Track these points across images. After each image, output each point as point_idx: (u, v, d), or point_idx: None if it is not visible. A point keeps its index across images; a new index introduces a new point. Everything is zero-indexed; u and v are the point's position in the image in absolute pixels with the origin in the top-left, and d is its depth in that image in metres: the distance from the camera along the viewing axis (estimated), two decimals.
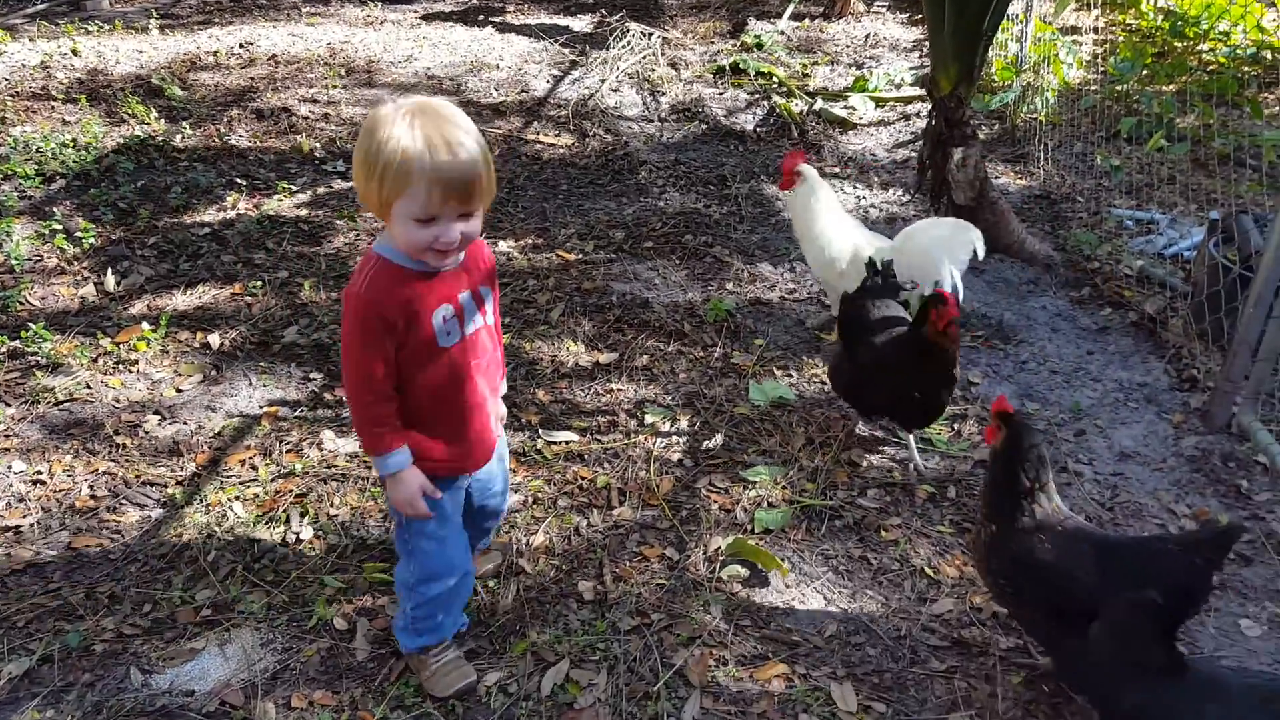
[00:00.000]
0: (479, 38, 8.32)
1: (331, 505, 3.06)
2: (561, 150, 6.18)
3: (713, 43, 8.38)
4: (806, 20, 8.95)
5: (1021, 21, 6.83)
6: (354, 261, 4.58)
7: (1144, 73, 6.79)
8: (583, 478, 3.24)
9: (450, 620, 2.44)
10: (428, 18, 8.96)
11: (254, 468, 3.23)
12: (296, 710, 2.38)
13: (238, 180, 5.34)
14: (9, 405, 3.47)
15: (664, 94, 7.14)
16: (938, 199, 4.89)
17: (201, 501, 3.06)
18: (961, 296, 3.64)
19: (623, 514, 3.08)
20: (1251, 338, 3.34)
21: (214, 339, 3.93)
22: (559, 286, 4.46)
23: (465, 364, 2.17)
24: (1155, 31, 7.75)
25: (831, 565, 2.91)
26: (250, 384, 3.70)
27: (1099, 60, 7.26)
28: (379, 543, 2.91)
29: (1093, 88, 6.73)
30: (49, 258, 4.42)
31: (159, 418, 3.47)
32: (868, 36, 8.49)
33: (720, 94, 7.21)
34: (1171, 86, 6.72)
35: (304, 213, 5.09)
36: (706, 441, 3.43)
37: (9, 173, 5.02)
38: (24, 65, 6.70)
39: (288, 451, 3.32)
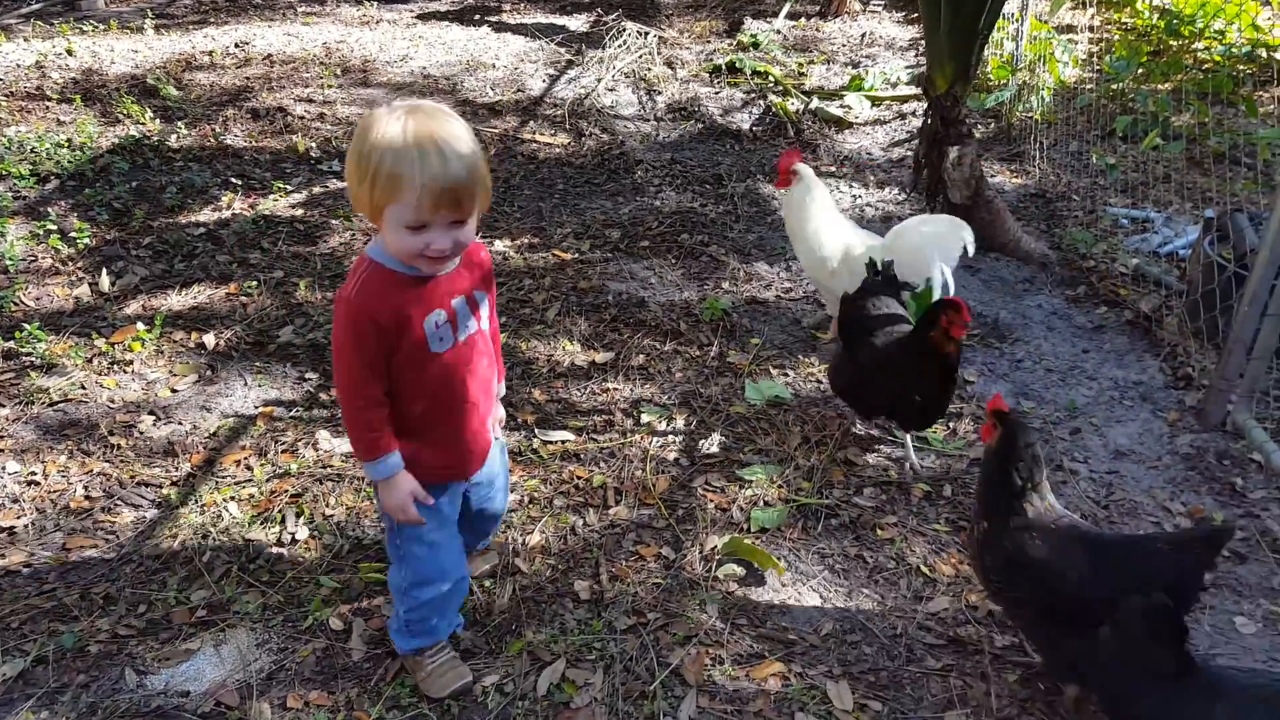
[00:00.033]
0: (475, 37, 8.32)
1: (327, 505, 3.06)
2: (558, 149, 6.17)
3: (709, 42, 8.38)
4: (802, 19, 8.95)
5: (1017, 20, 6.84)
6: (349, 261, 4.58)
7: (1139, 71, 6.80)
8: (579, 477, 3.24)
9: (445, 623, 2.43)
10: (424, 17, 8.96)
11: (249, 468, 3.23)
12: (292, 710, 2.37)
13: (233, 180, 5.34)
14: (3, 406, 3.46)
15: (660, 93, 7.14)
16: (933, 197, 4.90)
17: (196, 502, 3.06)
18: (953, 292, 3.64)
19: (619, 513, 3.08)
20: (1246, 336, 3.35)
21: (209, 339, 3.92)
22: (555, 286, 4.46)
23: (458, 370, 2.16)
24: (1151, 30, 7.76)
25: (828, 564, 2.91)
26: (245, 384, 3.69)
27: (1094, 59, 7.27)
28: (374, 543, 2.91)
29: (1088, 86, 6.73)
30: (43, 258, 4.42)
31: (154, 418, 3.46)
32: (864, 35, 8.49)
33: (716, 93, 7.21)
34: (1167, 85, 6.72)
35: (299, 212, 5.08)
36: (703, 442, 3.43)
37: (3, 173, 5.02)
38: (18, 65, 6.69)
39: (283, 452, 3.31)
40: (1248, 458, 3.37)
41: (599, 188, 5.69)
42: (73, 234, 4.55)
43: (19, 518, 2.98)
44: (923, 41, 6.55)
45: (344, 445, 3.33)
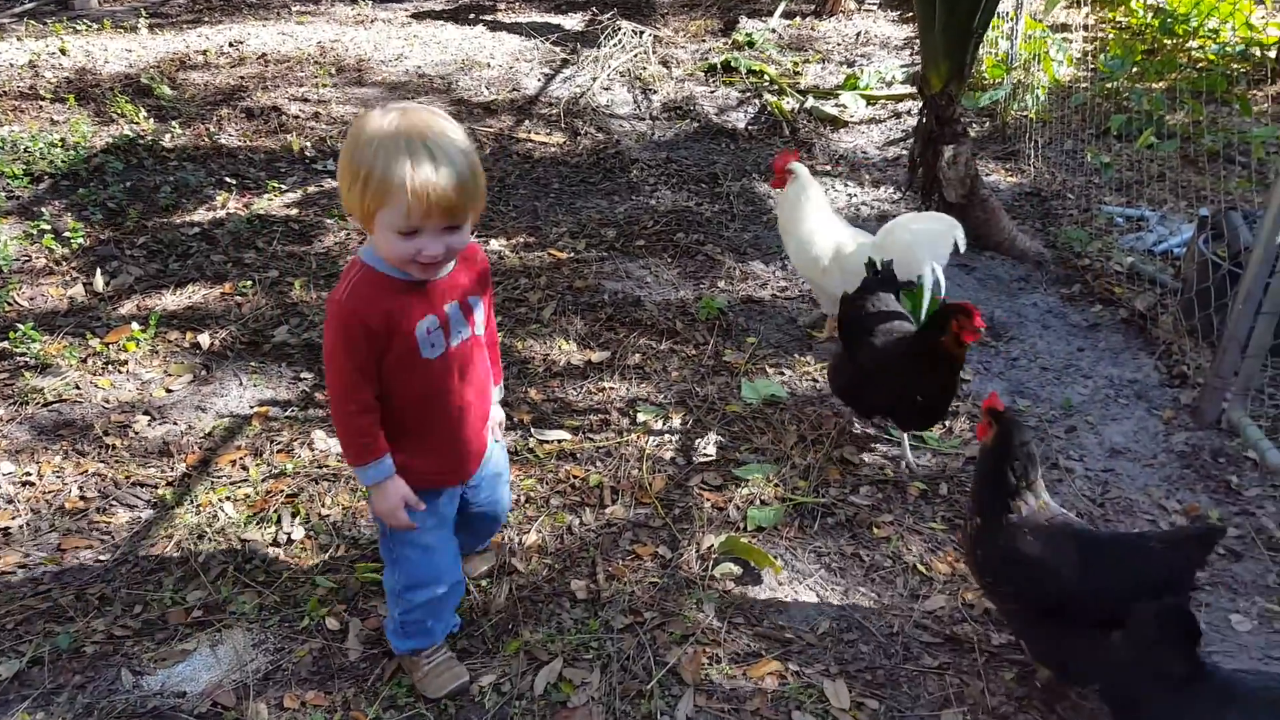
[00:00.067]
0: (470, 36, 8.31)
1: (323, 505, 3.05)
2: (553, 149, 6.17)
3: (704, 41, 8.38)
4: (798, 18, 8.96)
5: (1012, 19, 6.85)
6: (344, 260, 4.57)
7: (1134, 70, 6.81)
8: (575, 476, 3.24)
9: (441, 625, 2.42)
10: (418, 16, 8.95)
11: (245, 468, 3.22)
12: (289, 711, 2.37)
13: (227, 179, 5.33)
14: None
15: (655, 92, 7.14)
16: (929, 196, 4.90)
17: (192, 502, 3.05)
18: (944, 290, 3.65)
19: (615, 512, 3.08)
20: (1241, 334, 3.35)
21: (204, 339, 3.91)
22: (551, 285, 4.46)
23: (450, 376, 2.14)
24: (1145, 29, 7.77)
25: (824, 562, 2.91)
26: (241, 384, 3.69)
27: (1089, 57, 7.28)
28: (371, 543, 2.90)
29: (1083, 85, 6.75)
30: (37, 258, 4.40)
31: (149, 418, 3.46)
32: (859, 34, 8.50)
33: (712, 92, 7.21)
34: (1161, 84, 6.74)
35: (294, 212, 5.07)
36: (700, 441, 3.43)
37: None
38: (12, 64, 6.68)
39: (279, 451, 3.30)
40: (1243, 455, 3.37)
41: (594, 187, 5.68)
42: (67, 234, 4.53)
43: (14, 518, 2.97)
44: (917, 40, 6.57)
45: (339, 445, 3.33)
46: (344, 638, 2.58)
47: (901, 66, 7.46)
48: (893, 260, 3.49)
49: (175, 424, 3.44)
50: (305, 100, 6.58)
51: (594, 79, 7.19)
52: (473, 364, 2.20)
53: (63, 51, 7.00)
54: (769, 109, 6.72)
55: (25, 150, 5.22)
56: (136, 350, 3.80)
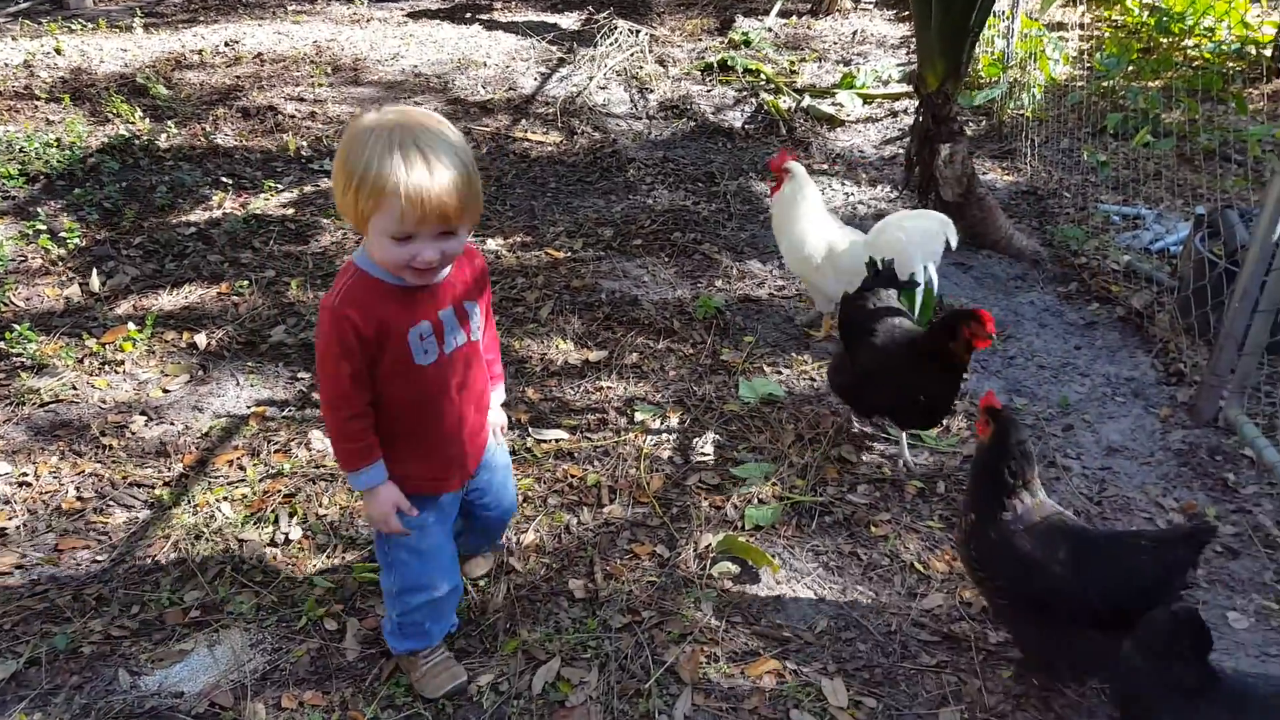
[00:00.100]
0: (466, 35, 8.30)
1: (320, 505, 3.05)
2: (550, 148, 6.17)
3: (700, 40, 8.38)
4: (794, 17, 8.96)
5: (1008, 18, 6.85)
6: (341, 260, 4.57)
7: (1130, 68, 6.82)
8: (573, 476, 3.24)
9: (439, 627, 2.42)
10: (414, 15, 8.94)
11: (242, 468, 3.22)
12: (286, 711, 2.37)
13: (224, 179, 5.32)
14: None
15: (652, 91, 7.14)
16: (925, 195, 4.91)
17: (189, 502, 3.05)
18: (936, 288, 3.65)
19: (613, 512, 3.08)
20: (1237, 332, 3.36)
21: (201, 339, 3.91)
22: (548, 284, 4.46)
23: (443, 383, 2.12)
24: (1141, 27, 7.78)
25: (822, 561, 2.91)
26: (238, 384, 3.68)
27: (1085, 56, 7.29)
28: (368, 542, 2.90)
29: (1079, 84, 6.76)
30: (33, 258, 4.39)
31: (145, 418, 3.45)
32: (855, 33, 8.50)
33: (708, 91, 7.21)
34: (1157, 82, 6.75)
35: (290, 211, 5.06)
36: (697, 440, 3.43)
37: None
38: (6, 64, 6.66)
39: (276, 451, 3.30)
40: (1239, 453, 3.38)
41: (591, 186, 5.68)
42: (63, 234, 4.53)
43: (10, 519, 2.96)
44: (914, 39, 6.56)
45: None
46: (342, 638, 2.58)
47: (898, 65, 7.47)
48: (893, 259, 3.48)
49: (172, 424, 3.44)
50: (301, 100, 6.58)
51: (590, 78, 7.19)
52: (468, 370, 2.18)
53: (58, 51, 6.98)
54: (766, 108, 6.72)
55: (21, 150, 5.20)
56: (133, 350, 3.80)
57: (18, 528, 2.93)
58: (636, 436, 3.44)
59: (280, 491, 3.10)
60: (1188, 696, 1.94)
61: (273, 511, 3.01)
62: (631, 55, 7.65)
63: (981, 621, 2.68)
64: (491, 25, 8.64)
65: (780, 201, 3.98)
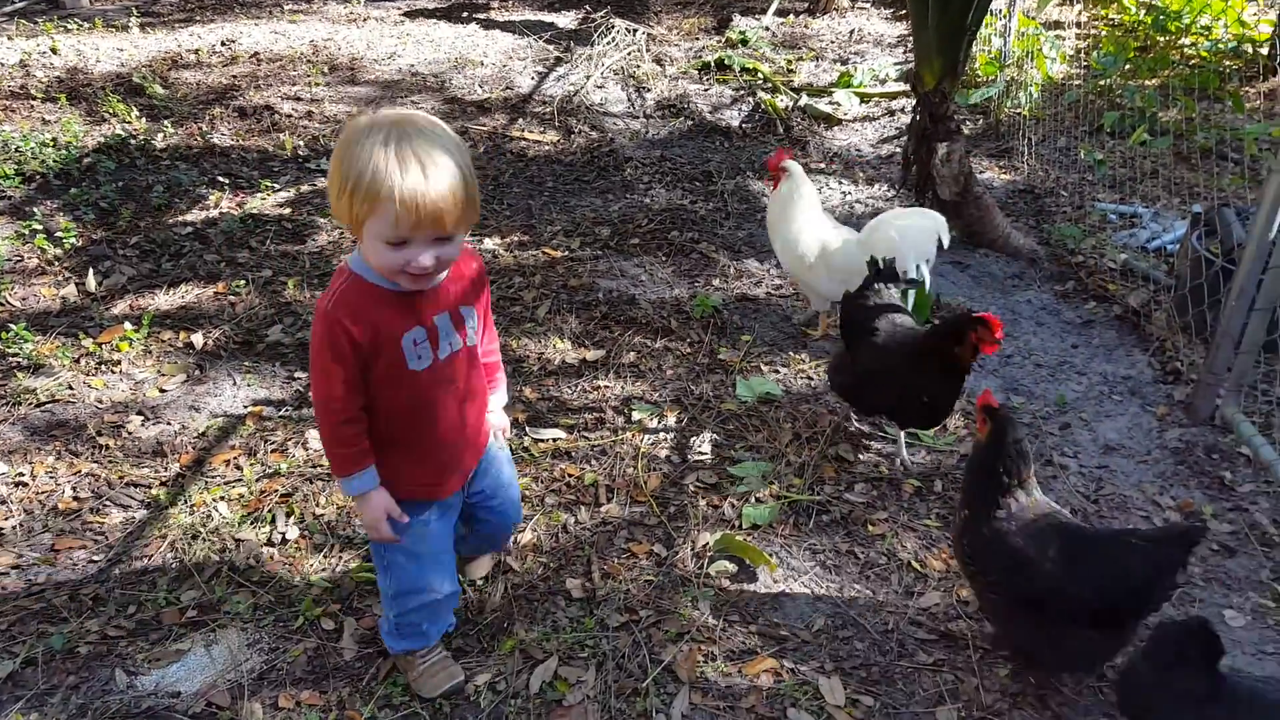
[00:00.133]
0: (463, 34, 8.30)
1: (317, 505, 3.05)
2: (547, 147, 6.16)
3: (697, 39, 8.38)
4: (791, 16, 8.96)
5: (1005, 16, 6.86)
6: (338, 260, 4.56)
7: (1126, 67, 6.82)
8: (570, 475, 3.23)
9: (436, 628, 2.41)
10: (411, 14, 8.93)
11: (239, 468, 3.21)
12: (284, 710, 2.37)
13: (220, 179, 5.31)
14: None
15: (649, 90, 7.14)
16: (923, 194, 4.91)
17: (186, 502, 3.04)
18: (929, 285, 3.65)
19: (610, 511, 3.08)
20: (1234, 330, 3.36)
21: (197, 339, 3.90)
22: (545, 284, 4.45)
23: (438, 388, 2.10)
24: (1138, 26, 7.79)
25: (819, 560, 2.91)
26: (234, 384, 3.68)
27: (1082, 55, 7.29)
28: (365, 542, 2.90)
29: (1076, 82, 6.76)
30: (29, 258, 4.39)
31: (142, 418, 3.45)
32: (852, 32, 8.50)
33: (705, 90, 7.21)
34: (1154, 81, 6.75)
35: (287, 211, 5.06)
36: (695, 439, 3.43)
37: None
38: (2, 64, 6.65)
39: (273, 451, 3.30)
40: (1236, 452, 3.38)
41: (588, 185, 5.68)
42: (59, 234, 4.52)
43: (7, 519, 2.95)
44: (911, 38, 6.56)
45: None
46: (339, 637, 2.57)
47: (895, 64, 7.47)
48: (895, 258, 3.48)
49: (169, 424, 3.43)
50: (298, 99, 6.57)
51: (588, 77, 7.19)
52: (463, 374, 2.16)
53: (54, 51, 6.97)
54: (763, 107, 6.72)
55: (17, 150, 5.20)
56: (129, 350, 3.79)
57: (14, 528, 2.93)
58: (634, 436, 3.44)
59: (277, 491, 3.09)
60: (1198, 704, 1.93)
61: (270, 511, 3.01)
62: (629, 54, 7.64)
63: (979, 620, 2.68)
64: (488, 24, 8.64)
65: (776, 200, 3.99)
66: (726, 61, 7.46)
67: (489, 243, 4.87)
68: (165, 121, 5.90)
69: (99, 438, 3.32)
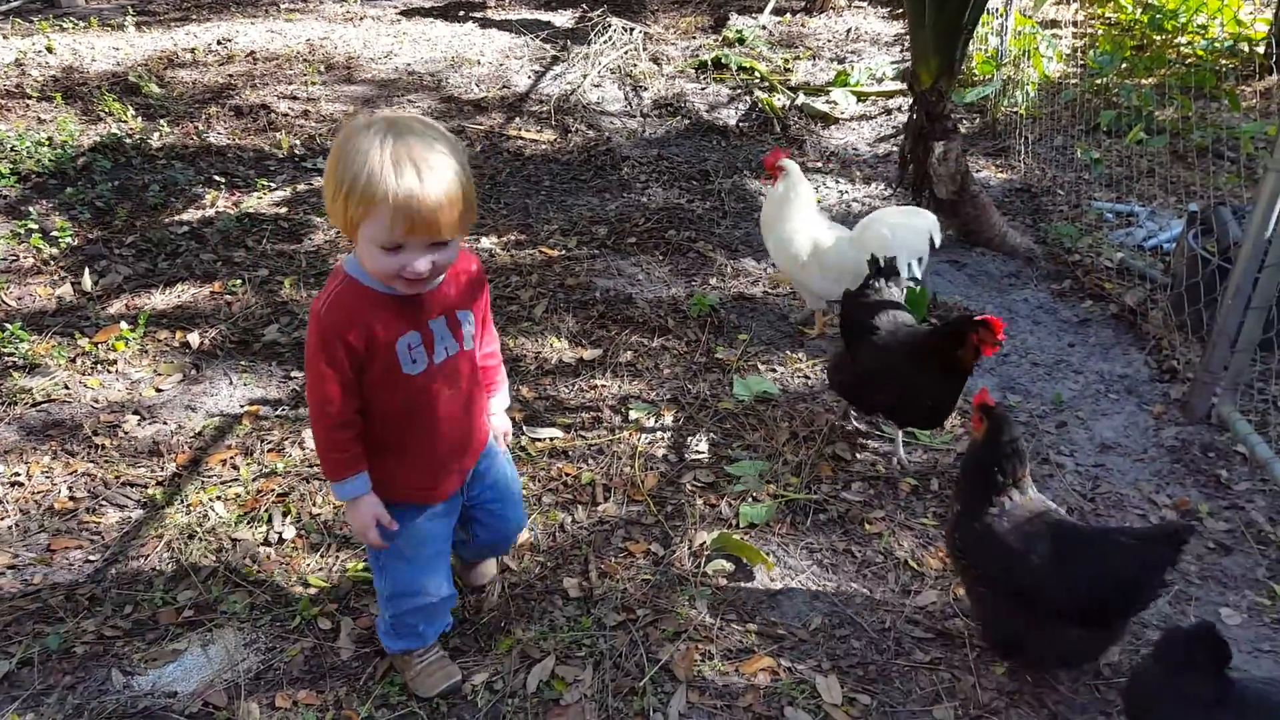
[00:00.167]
0: (459, 33, 8.29)
1: (314, 504, 3.04)
2: (544, 146, 6.16)
3: (694, 38, 8.37)
4: (788, 15, 8.96)
5: (1001, 15, 6.86)
6: (334, 259, 4.56)
7: (1123, 66, 6.83)
8: (567, 474, 3.23)
9: (432, 629, 2.40)
10: (407, 13, 8.93)
11: (235, 467, 3.21)
12: (281, 710, 2.36)
13: (216, 178, 5.31)
14: None
15: (646, 89, 7.13)
16: (920, 193, 4.91)
17: (182, 502, 3.04)
18: (919, 279, 3.64)
19: (608, 510, 3.08)
20: (1230, 328, 3.37)
21: (194, 338, 3.90)
22: (542, 283, 4.45)
23: (432, 393, 2.08)
24: (1134, 25, 7.79)
25: (816, 559, 2.91)
26: (231, 383, 3.67)
27: (1079, 54, 7.30)
28: (362, 542, 2.89)
29: (1072, 81, 6.77)
30: (25, 257, 4.38)
31: (138, 418, 3.44)
32: (849, 31, 8.50)
33: (702, 89, 7.21)
34: (1150, 79, 6.76)
35: (284, 210, 5.05)
36: (692, 438, 3.43)
37: None
38: None
39: (269, 451, 3.29)
40: (1232, 450, 3.39)
41: (585, 184, 5.68)
42: (54, 233, 4.51)
43: (3, 519, 2.95)
44: (907, 37, 6.56)
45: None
46: (336, 637, 2.57)
47: (892, 63, 7.47)
48: (895, 257, 3.47)
49: (165, 423, 3.43)
50: (294, 98, 6.56)
51: (584, 76, 7.18)
52: (459, 379, 2.14)
53: (49, 50, 6.95)
54: (760, 106, 6.72)
55: (12, 149, 5.18)
56: (125, 350, 3.79)
57: (10, 528, 2.92)
58: (631, 435, 3.44)
59: (274, 491, 3.09)
60: (1206, 709, 1.93)
61: (266, 511, 3.01)
62: (625, 53, 7.64)
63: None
64: (485, 23, 8.63)
65: (772, 199, 3.99)
66: (723, 60, 7.46)
67: (486, 241, 4.86)
68: (161, 121, 5.89)
69: (95, 437, 3.31)
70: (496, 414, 2.41)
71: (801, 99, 6.81)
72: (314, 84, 6.82)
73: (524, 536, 2.93)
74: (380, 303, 1.96)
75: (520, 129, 6.38)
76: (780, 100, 6.81)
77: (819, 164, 5.99)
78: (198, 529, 2.92)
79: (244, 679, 2.44)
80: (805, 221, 3.92)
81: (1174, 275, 4.19)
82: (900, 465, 3.32)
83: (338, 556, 2.85)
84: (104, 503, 3.04)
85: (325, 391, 1.97)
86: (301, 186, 5.33)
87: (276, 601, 2.68)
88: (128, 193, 5.03)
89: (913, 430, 3.47)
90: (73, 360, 3.71)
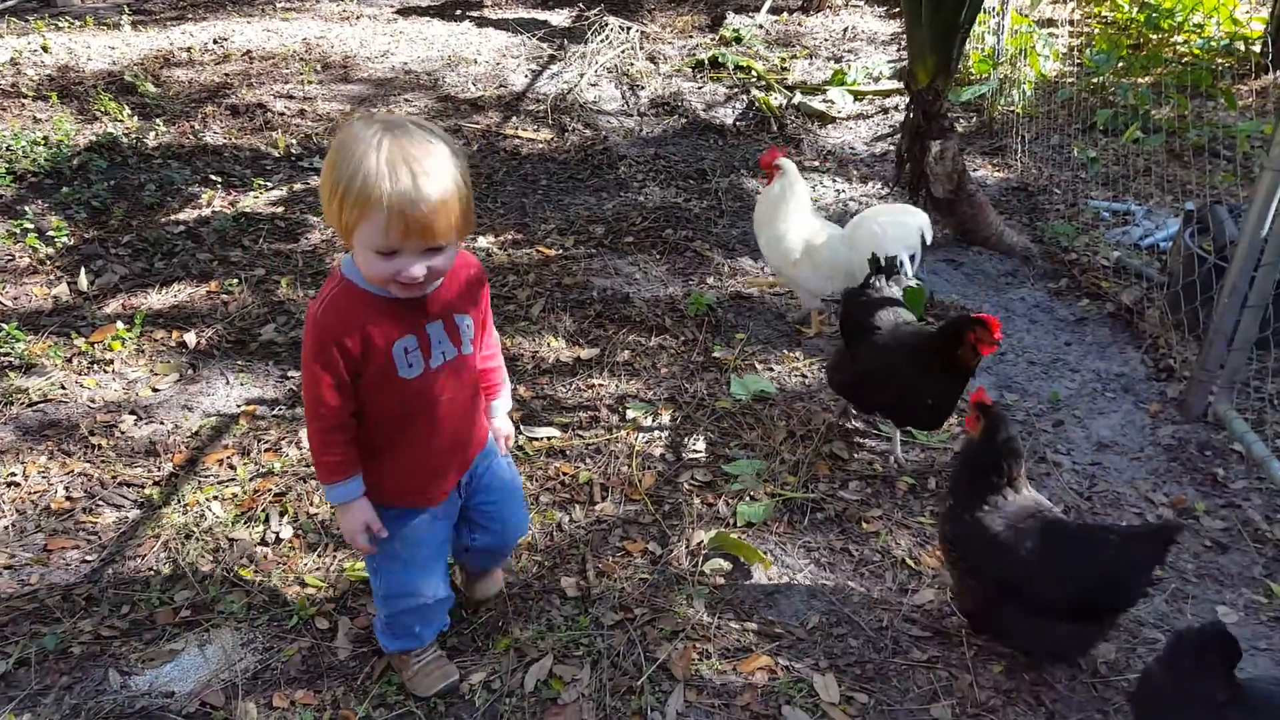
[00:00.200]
0: (456, 32, 8.28)
1: (311, 504, 3.04)
2: (540, 145, 6.16)
3: (691, 37, 8.37)
4: (785, 14, 8.96)
5: (998, 14, 6.86)
6: (331, 258, 4.55)
7: (1119, 65, 6.84)
8: (565, 474, 3.23)
9: (429, 630, 2.39)
10: (404, 12, 8.91)
11: (232, 467, 3.21)
12: (278, 710, 2.36)
13: (212, 177, 5.30)
14: None
15: (643, 88, 7.13)
16: (916, 192, 4.91)
17: (179, 502, 3.04)
18: (911, 277, 3.65)
19: (605, 509, 3.08)
20: (1227, 327, 3.37)
21: (190, 338, 3.89)
22: (539, 282, 4.45)
23: (428, 397, 2.07)
24: (1130, 24, 7.80)
25: (813, 557, 2.91)
26: (227, 383, 3.67)
27: (1075, 52, 7.30)
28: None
29: (1069, 80, 6.77)
30: (21, 257, 4.37)
31: (135, 418, 3.43)
32: (846, 30, 8.51)
33: (699, 88, 7.20)
34: (1147, 78, 6.76)
35: (280, 210, 5.05)
36: (689, 437, 3.43)
37: None
38: None
39: (266, 450, 3.29)
40: (1229, 448, 3.39)
41: (582, 183, 5.67)
42: (50, 233, 4.50)
43: None
44: (904, 36, 6.56)
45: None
46: (333, 636, 2.57)
47: (889, 62, 7.47)
48: (896, 256, 3.46)
49: (162, 423, 3.42)
50: (290, 97, 6.55)
51: (581, 75, 7.18)
52: (456, 383, 2.12)
53: (45, 49, 6.94)
54: (757, 105, 6.72)
55: (7, 149, 5.17)
56: (122, 349, 3.78)
57: (6, 528, 2.92)
58: (628, 434, 3.44)
59: (271, 490, 3.08)
60: (1219, 710, 1.92)
61: (263, 510, 3.00)
62: (622, 52, 7.64)
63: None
64: (482, 22, 8.62)
65: (767, 197, 3.99)
66: (720, 59, 7.46)
67: (483, 241, 4.86)
68: (157, 120, 5.88)
69: (91, 437, 3.31)
70: (498, 416, 2.40)
71: (798, 98, 6.81)
72: (310, 83, 6.81)
73: (521, 536, 2.93)
74: (376, 306, 1.95)
75: (517, 128, 6.37)
76: (777, 99, 6.81)
77: (816, 163, 5.99)
78: (195, 529, 2.92)
79: (241, 679, 2.44)
80: (798, 220, 3.93)
81: (1170, 274, 4.19)
82: (897, 464, 3.32)
83: (335, 556, 2.85)
84: (101, 503, 3.04)
85: (320, 394, 1.96)
86: (298, 186, 5.32)
87: (274, 601, 2.67)
88: (124, 192, 5.02)
89: (910, 429, 3.47)
90: (69, 360, 3.70)
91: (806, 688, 2.44)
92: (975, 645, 2.58)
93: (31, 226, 4.53)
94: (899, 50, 7.80)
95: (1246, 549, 2.95)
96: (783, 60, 7.72)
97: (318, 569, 2.80)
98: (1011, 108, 6.35)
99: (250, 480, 3.13)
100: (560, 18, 8.84)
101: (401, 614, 2.31)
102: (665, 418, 3.54)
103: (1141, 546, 2.26)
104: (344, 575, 2.77)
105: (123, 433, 3.35)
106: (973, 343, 2.83)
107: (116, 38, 7.50)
